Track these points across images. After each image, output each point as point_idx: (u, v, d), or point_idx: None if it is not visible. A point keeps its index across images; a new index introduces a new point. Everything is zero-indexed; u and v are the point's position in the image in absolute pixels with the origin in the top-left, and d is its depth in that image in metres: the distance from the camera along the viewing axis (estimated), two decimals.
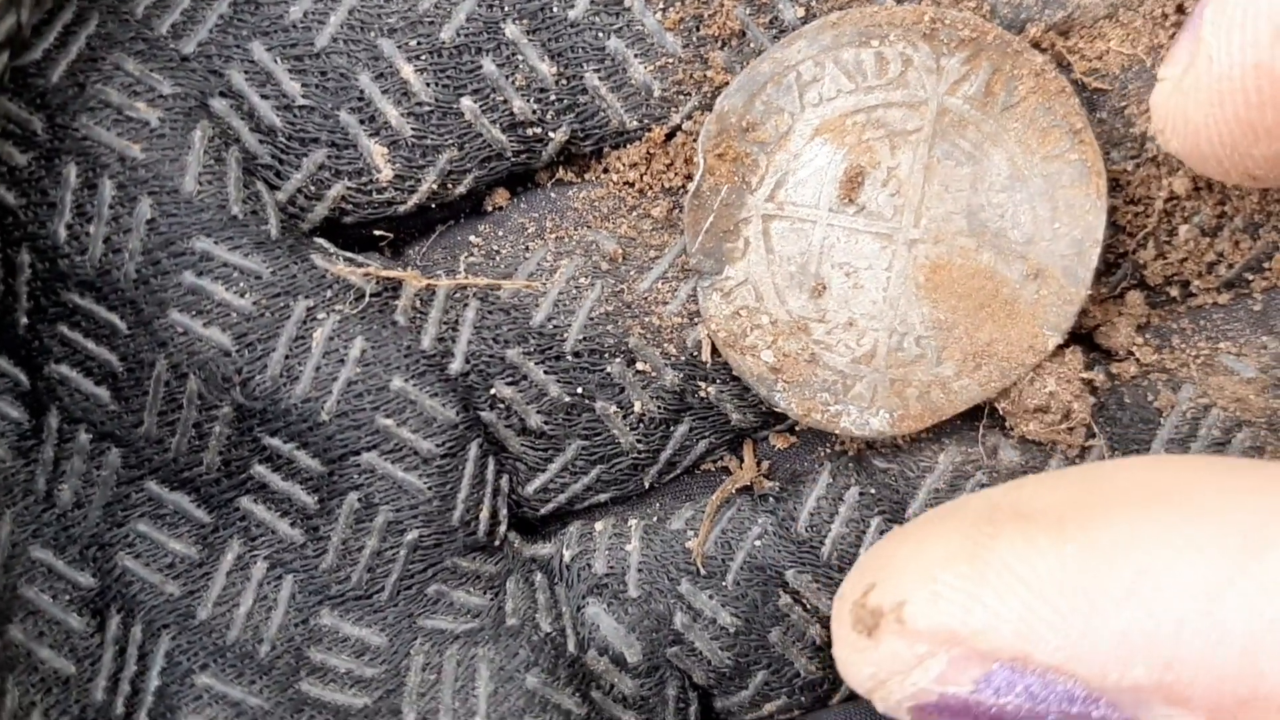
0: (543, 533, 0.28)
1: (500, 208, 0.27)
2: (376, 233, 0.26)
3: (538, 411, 0.26)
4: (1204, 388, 0.25)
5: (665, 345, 0.26)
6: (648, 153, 0.26)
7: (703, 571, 0.27)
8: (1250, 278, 0.26)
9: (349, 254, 0.26)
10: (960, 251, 0.25)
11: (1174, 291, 0.26)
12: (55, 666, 0.25)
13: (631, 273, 0.26)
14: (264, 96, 0.25)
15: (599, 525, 0.28)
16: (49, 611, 0.25)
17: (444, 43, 0.25)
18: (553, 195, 0.27)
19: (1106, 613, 0.19)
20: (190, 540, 0.26)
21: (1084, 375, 0.25)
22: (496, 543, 0.27)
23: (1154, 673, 0.19)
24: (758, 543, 0.27)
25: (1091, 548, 0.20)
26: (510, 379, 0.26)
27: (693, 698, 0.27)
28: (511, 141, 0.25)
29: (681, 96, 0.25)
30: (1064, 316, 0.25)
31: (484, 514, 0.26)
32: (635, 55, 0.25)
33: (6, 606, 0.24)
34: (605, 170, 0.26)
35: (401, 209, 0.26)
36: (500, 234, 0.26)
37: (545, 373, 0.26)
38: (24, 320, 0.25)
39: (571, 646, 0.27)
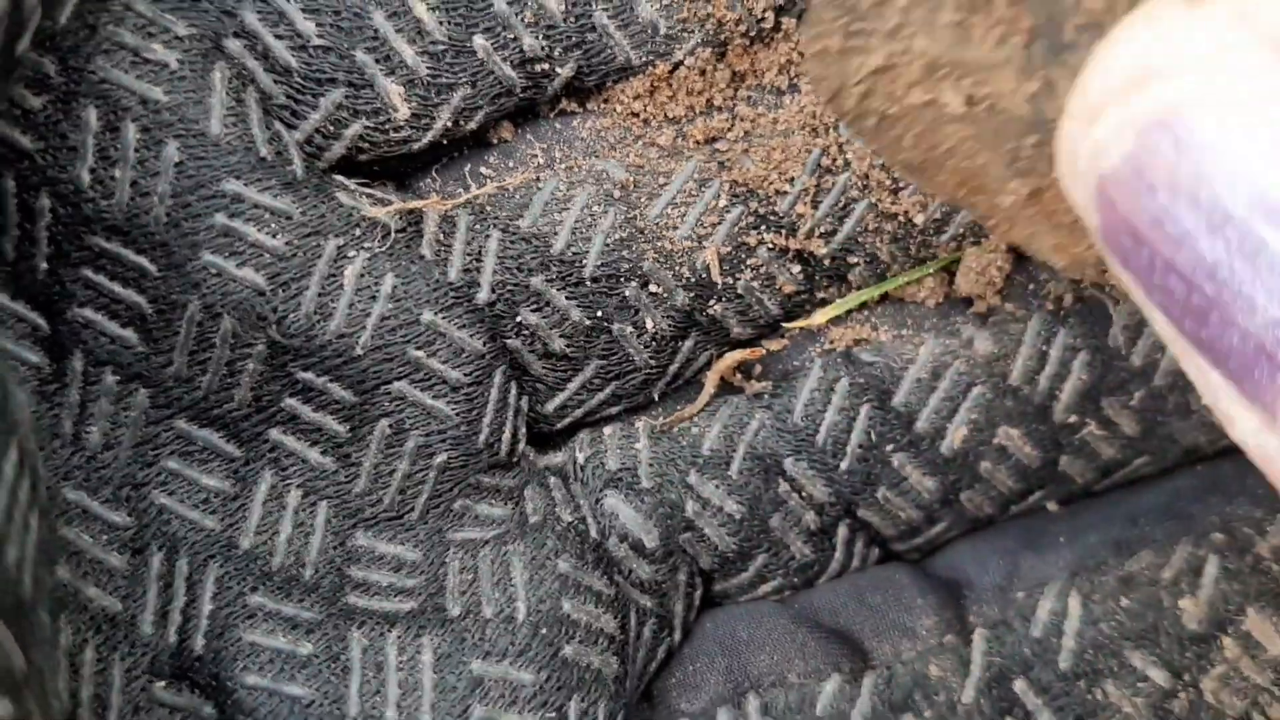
0: (553, 443, 0.30)
1: (505, 140, 0.27)
2: (376, 168, 0.27)
3: (560, 336, 0.28)
4: None
5: (677, 267, 0.28)
6: (652, 85, 0.27)
7: (695, 432, 0.29)
8: None
9: (369, 190, 0.26)
10: None
11: None
12: (103, 604, 0.25)
13: (642, 199, 0.28)
14: (278, 36, 0.25)
15: (607, 430, 0.29)
16: (89, 551, 0.25)
17: None
18: (557, 125, 0.28)
19: None
20: (222, 475, 0.26)
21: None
22: (515, 459, 0.29)
23: None
24: (758, 435, 0.29)
25: None
26: (535, 306, 0.27)
27: (699, 582, 0.30)
28: (520, 78, 0.26)
29: (685, 34, 0.27)
30: None
31: (506, 434, 0.28)
32: None
33: (51, 547, 0.25)
34: (606, 100, 0.27)
35: (416, 146, 0.26)
36: (510, 165, 0.27)
37: (567, 298, 0.28)
38: (44, 265, 0.25)
39: (594, 533, 0.28)
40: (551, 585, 0.27)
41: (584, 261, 0.27)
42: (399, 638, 0.26)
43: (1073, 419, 0.29)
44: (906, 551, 0.31)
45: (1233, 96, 0.16)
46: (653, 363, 0.29)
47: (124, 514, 0.26)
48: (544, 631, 0.27)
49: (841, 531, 0.30)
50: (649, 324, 0.28)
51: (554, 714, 0.26)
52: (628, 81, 0.27)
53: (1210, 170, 0.16)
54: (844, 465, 0.29)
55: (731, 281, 0.28)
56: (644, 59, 0.27)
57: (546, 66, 0.26)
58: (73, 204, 0.24)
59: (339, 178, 0.26)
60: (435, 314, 0.26)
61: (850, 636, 0.29)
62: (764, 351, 0.29)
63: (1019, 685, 0.27)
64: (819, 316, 0.29)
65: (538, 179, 0.27)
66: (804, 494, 0.29)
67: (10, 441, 0.20)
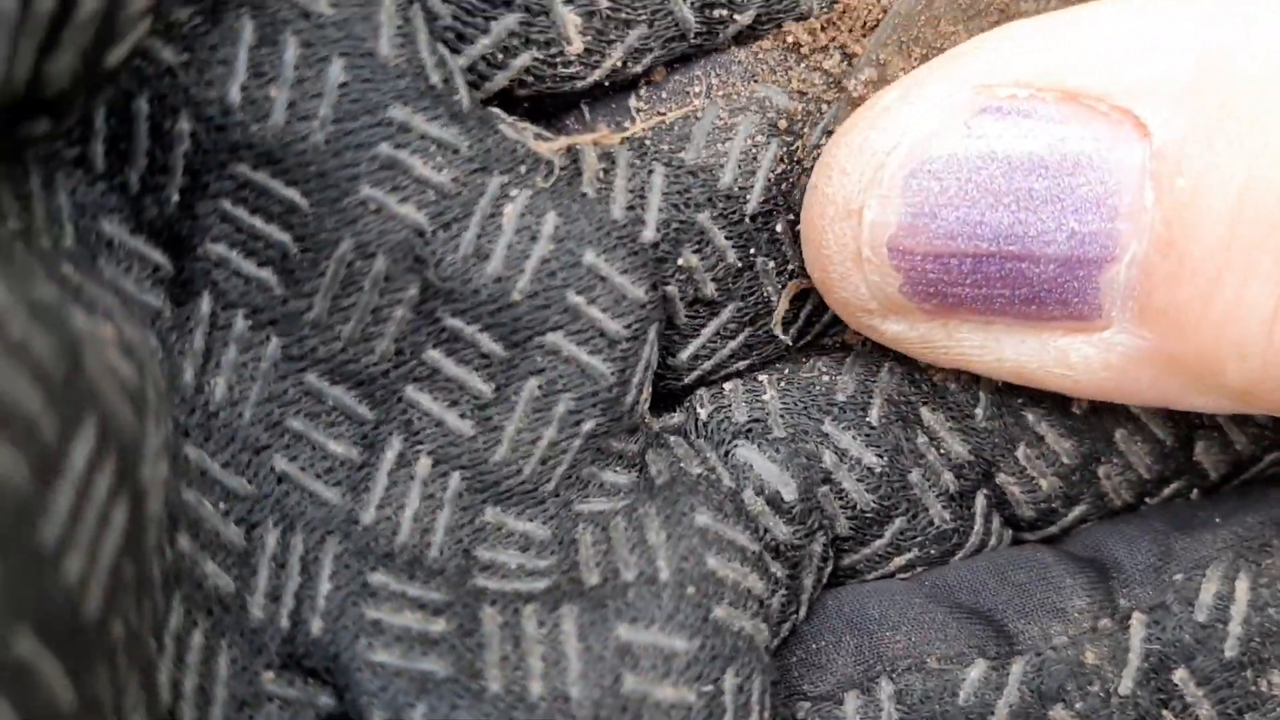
0: (667, 406, 0.28)
1: (656, 81, 0.26)
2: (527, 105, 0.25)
3: (713, 280, 0.26)
4: None
5: None
6: (824, 24, 0.26)
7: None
8: None
9: (533, 128, 0.25)
10: None
11: None
12: (217, 583, 0.23)
13: (805, 129, 0.26)
14: None
15: (728, 385, 0.28)
16: (209, 521, 0.23)
17: None
18: (710, 52, 0.26)
19: None
20: (350, 440, 0.24)
21: None
22: (640, 421, 0.27)
23: None
24: (891, 382, 0.27)
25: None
26: (697, 246, 0.26)
27: (830, 555, 0.28)
28: (698, 22, 0.25)
29: None
30: None
31: (644, 394, 0.26)
32: None
33: (175, 512, 0.22)
34: (773, 35, 0.26)
35: (580, 85, 0.24)
36: (663, 96, 0.26)
37: (726, 238, 0.26)
38: (175, 197, 0.22)
39: (728, 483, 0.26)
40: (692, 541, 0.25)
41: (748, 197, 0.26)
42: (535, 612, 0.24)
43: None
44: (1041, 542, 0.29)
45: (941, 122, 0.23)
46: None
47: (244, 480, 0.23)
48: (690, 591, 0.24)
49: (980, 502, 0.28)
50: (790, 260, 0.27)
51: (710, 687, 0.24)
52: (799, 23, 0.26)
53: (968, 167, 0.23)
54: (980, 413, 0.27)
55: None
56: (826, 3, 0.25)
57: (725, 12, 0.25)
58: (218, 127, 0.22)
59: (498, 111, 0.24)
60: (598, 255, 0.24)
61: (992, 617, 0.27)
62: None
63: (1179, 675, 0.26)
64: None
65: (695, 110, 0.26)
66: (942, 449, 0.28)
67: (84, 420, 0.17)
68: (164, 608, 0.22)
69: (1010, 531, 0.29)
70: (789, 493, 0.27)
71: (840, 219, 0.24)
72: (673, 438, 0.27)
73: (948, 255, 0.23)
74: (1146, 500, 0.29)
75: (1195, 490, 0.29)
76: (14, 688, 0.14)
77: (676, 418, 0.28)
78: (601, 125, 0.26)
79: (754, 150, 0.26)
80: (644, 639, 0.24)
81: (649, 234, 0.25)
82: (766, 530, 0.26)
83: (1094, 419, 0.28)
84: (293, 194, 0.22)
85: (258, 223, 0.23)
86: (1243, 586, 0.26)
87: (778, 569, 0.27)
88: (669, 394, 0.28)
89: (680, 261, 0.26)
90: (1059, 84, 0.22)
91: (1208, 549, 0.27)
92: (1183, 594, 0.26)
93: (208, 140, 0.22)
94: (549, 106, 0.25)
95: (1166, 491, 0.29)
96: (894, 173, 0.23)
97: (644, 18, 0.24)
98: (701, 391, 0.28)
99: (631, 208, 0.25)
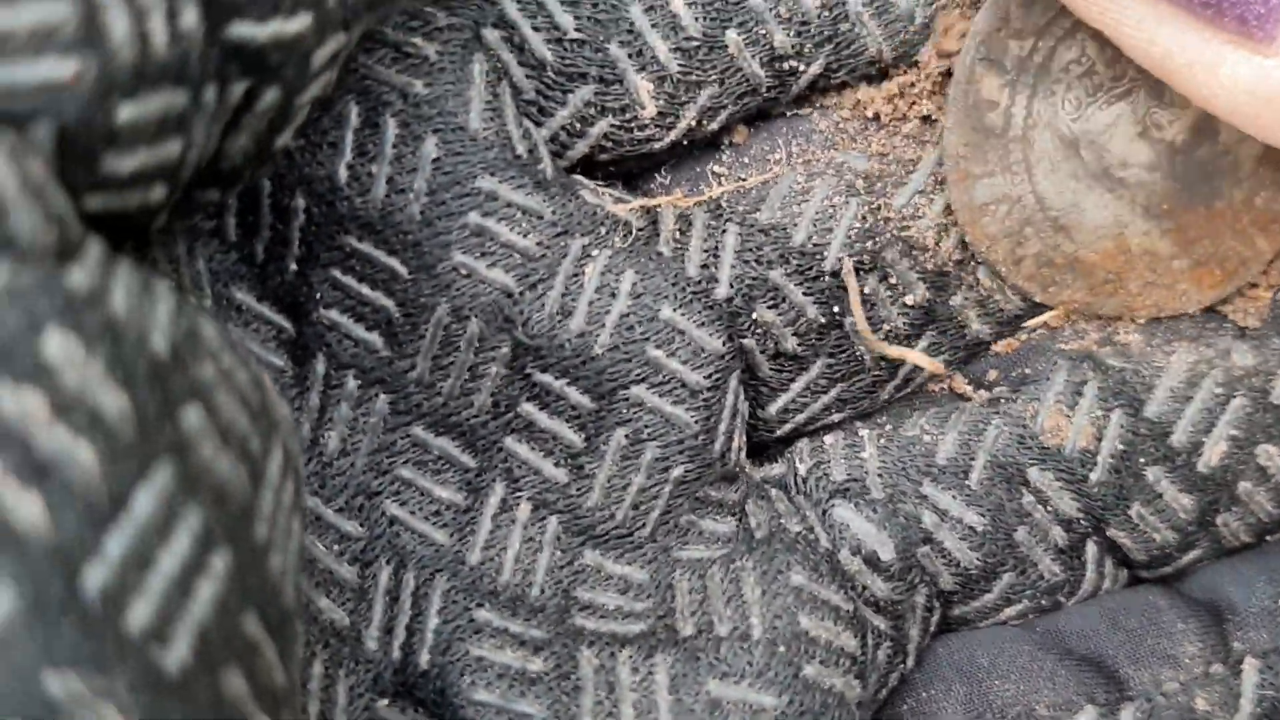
0: (769, 455, 0.29)
1: (738, 143, 0.27)
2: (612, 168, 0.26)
3: (794, 334, 0.27)
4: None
5: (918, 257, 0.27)
6: (899, 90, 0.26)
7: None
8: None
9: (608, 189, 0.26)
10: None
11: None
12: (332, 617, 0.25)
13: (888, 188, 0.27)
14: (536, 28, 0.25)
15: (828, 439, 0.28)
16: (322, 561, 0.25)
17: None
18: (793, 123, 0.27)
19: None
20: (455, 486, 0.26)
21: None
22: (737, 469, 0.27)
23: None
24: (997, 443, 0.27)
25: None
26: (772, 301, 0.27)
27: (937, 606, 0.28)
28: (768, 76, 0.26)
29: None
30: None
31: (735, 443, 0.27)
32: None
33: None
34: (852, 106, 0.27)
35: (657, 146, 0.26)
36: (744, 162, 0.27)
37: (804, 294, 0.27)
38: (293, 267, 0.25)
39: (825, 543, 0.27)
40: (786, 600, 0.26)
41: (825, 254, 0.26)
42: (630, 658, 0.25)
43: None
44: (1154, 581, 0.29)
45: None
46: (883, 362, 0.28)
47: (356, 524, 0.25)
48: (781, 650, 0.25)
49: (1090, 549, 0.28)
50: (885, 320, 0.27)
51: None
52: (877, 86, 0.26)
53: None
54: (1095, 476, 0.27)
55: (973, 269, 0.27)
56: (895, 51, 0.26)
57: (795, 64, 0.26)
58: (328, 203, 0.24)
59: (579, 177, 0.26)
60: (674, 310, 0.26)
61: (1103, 664, 0.27)
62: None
63: None
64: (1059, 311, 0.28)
65: (775, 175, 0.27)
66: (1050, 507, 0.27)
67: (275, 441, 0.19)
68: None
69: (1125, 571, 0.29)
70: (886, 553, 0.27)
71: None
72: (774, 491, 0.28)
73: None
74: (1267, 538, 0.28)
75: None
76: (247, 662, 0.16)
77: (778, 468, 0.28)
78: (683, 189, 0.27)
79: (830, 210, 0.26)
80: (734, 694, 0.25)
81: (722, 290, 0.26)
82: (865, 588, 0.27)
83: (1220, 473, 0.27)
84: (393, 262, 0.24)
85: (365, 290, 0.25)
86: None
87: (880, 622, 0.27)
88: (763, 446, 0.29)
89: (755, 315, 0.27)
90: None
91: None
92: None
93: (319, 214, 0.24)
94: (633, 169, 0.27)
95: None
96: None
97: (714, 77, 0.25)
98: (802, 444, 0.28)
99: (706, 265, 0.26)
